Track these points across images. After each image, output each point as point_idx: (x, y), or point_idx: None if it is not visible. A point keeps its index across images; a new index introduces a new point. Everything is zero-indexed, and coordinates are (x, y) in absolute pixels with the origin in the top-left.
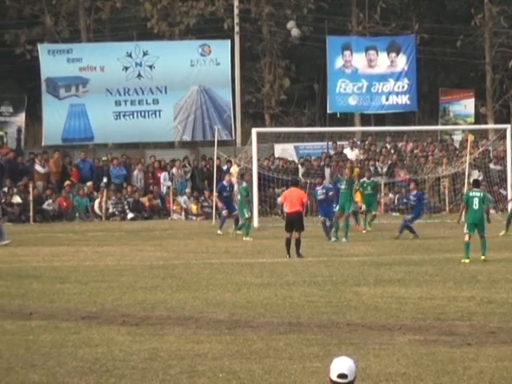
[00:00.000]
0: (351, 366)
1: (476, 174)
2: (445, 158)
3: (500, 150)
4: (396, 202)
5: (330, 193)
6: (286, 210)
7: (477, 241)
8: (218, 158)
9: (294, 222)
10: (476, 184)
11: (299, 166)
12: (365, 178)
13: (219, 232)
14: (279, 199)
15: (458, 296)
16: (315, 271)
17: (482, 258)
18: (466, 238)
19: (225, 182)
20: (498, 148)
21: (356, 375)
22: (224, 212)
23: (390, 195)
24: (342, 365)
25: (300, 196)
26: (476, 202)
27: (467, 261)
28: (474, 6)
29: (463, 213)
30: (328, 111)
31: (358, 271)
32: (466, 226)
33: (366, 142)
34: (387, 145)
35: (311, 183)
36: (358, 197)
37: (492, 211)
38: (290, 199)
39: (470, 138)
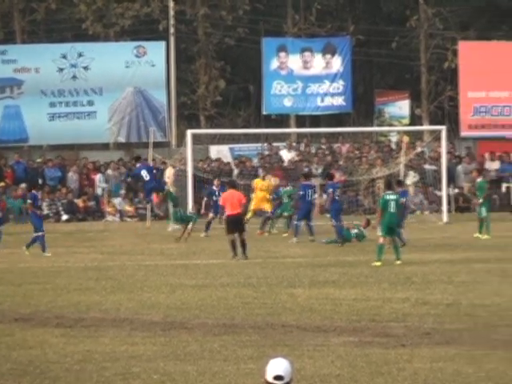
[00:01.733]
0: (287, 368)
1: (412, 175)
2: (379, 159)
3: (435, 151)
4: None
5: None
6: (227, 212)
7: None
8: (153, 159)
9: (236, 224)
10: (389, 186)
11: (234, 168)
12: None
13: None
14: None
15: (392, 297)
16: (250, 273)
17: (398, 262)
18: (381, 240)
19: (214, 187)
20: (433, 149)
21: (292, 377)
22: (210, 215)
23: (325, 197)
24: (278, 366)
25: (239, 198)
26: (393, 204)
27: (378, 264)
28: (410, 8)
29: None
30: (263, 112)
31: (293, 273)
32: (380, 228)
33: (302, 144)
34: (323, 146)
35: (246, 184)
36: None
37: (426, 212)
38: (231, 202)
39: (406, 139)
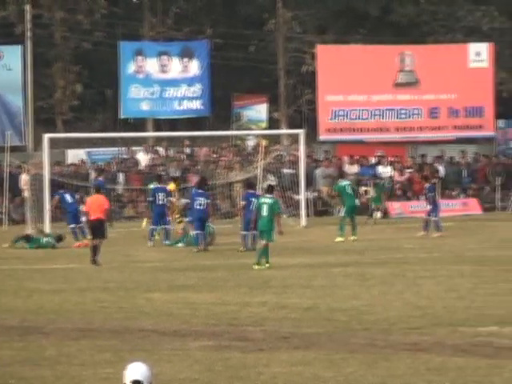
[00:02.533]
0: (145, 372)
1: (271, 179)
2: (238, 163)
3: (293, 154)
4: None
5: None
6: (90, 217)
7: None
8: (9, 164)
9: (97, 229)
10: (269, 190)
11: (92, 172)
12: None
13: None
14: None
15: (250, 301)
16: (107, 277)
17: (256, 267)
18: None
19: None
20: (291, 153)
21: (152, 381)
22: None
23: (183, 200)
24: (135, 371)
25: (101, 203)
26: (265, 208)
27: (257, 267)
28: (267, 11)
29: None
30: (120, 116)
31: (151, 277)
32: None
33: (160, 148)
34: (187, 150)
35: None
36: None
37: (284, 216)
38: (92, 206)
39: (264, 143)
